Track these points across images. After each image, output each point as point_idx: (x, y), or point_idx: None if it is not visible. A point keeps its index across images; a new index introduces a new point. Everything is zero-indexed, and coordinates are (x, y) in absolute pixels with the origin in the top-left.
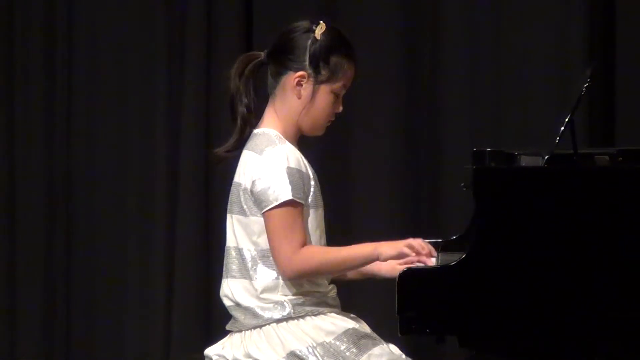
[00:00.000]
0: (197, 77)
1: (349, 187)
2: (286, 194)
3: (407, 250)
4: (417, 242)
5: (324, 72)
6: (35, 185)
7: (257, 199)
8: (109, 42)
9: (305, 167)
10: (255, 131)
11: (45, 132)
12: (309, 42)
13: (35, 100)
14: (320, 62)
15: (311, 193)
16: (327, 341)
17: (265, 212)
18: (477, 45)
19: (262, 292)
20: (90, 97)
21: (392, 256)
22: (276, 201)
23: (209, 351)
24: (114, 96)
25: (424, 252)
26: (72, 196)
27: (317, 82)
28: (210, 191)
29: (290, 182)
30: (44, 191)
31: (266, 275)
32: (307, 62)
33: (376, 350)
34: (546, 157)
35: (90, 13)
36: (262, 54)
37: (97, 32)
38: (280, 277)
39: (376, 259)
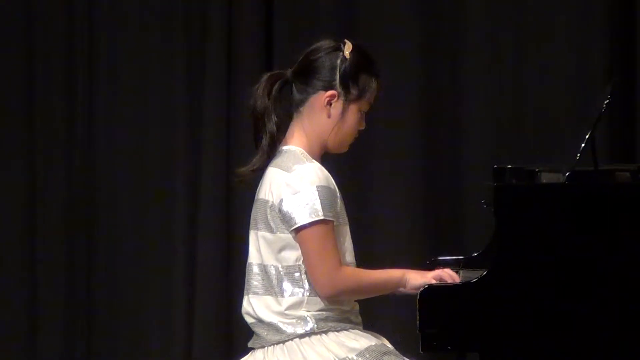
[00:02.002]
0: (218, 94)
1: (369, 203)
2: (318, 213)
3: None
4: (447, 274)
5: (353, 91)
6: (55, 201)
7: (286, 217)
8: (129, 58)
9: (334, 184)
10: (281, 148)
11: (66, 148)
12: (338, 61)
13: (56, 114)
14: (350, 81)
15: (338, 210)
16: (350, 357)
17: (298, 231)
18: (498, 62)
19: (287, 308)
20: (110, 113)
21: (417, 287)
22: (308, 220)
23: None
24: (134, 113)
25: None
26: (93, 213)
27: (347, 101)
28: (231, 207)
29: (321, 201)
30: (64, 208)
31: (292, 291)
32: (337, 82)
33: None
34: (567, 174)
35: (111, 30)
36: (287, 73)
37: (117, 49)
38: (305, 293)
39: (403, 285)
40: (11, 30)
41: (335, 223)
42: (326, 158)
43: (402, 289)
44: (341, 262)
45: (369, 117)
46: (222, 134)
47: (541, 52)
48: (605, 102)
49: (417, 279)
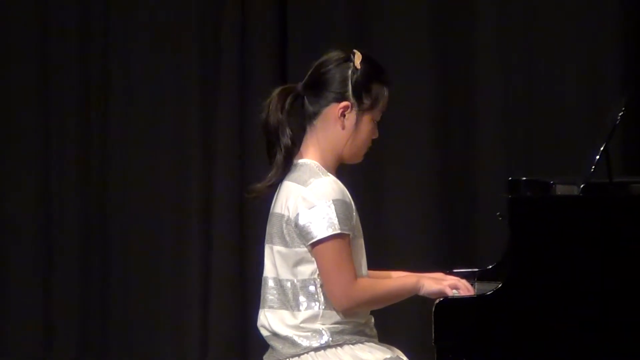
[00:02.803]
0: (231, 108)
1: (383, 216)
2: (335, 227)
3: (449, 292)
4: (462, 284)
5: (366, 101)
6: (70, 215)
7: (303, 231)
8: (143, 74)
9: (349, 197)
10: (296, 162)
11: (81, 157)
12: (349, 72)
13: (71, 125)
14: (362, 92)
15: (354, 222)
16: None
17: (314, 246)
18: (511, 73)
19: (303, 321)
20: (125, 126)
21: (432, 293)
22: (325, 234)
23: None
24: (148, 126)
25: (467, 294)
26: (107, 226)
27: (361, 111)
28: (244, 221)
29: (338, 215)
30: (79, 222)
31: (307, 305)
32: (349, 93)
33: None
34: (581, 186)
35: (126, 44)
36: (298, 86)
37: (132, 64)
38: (321, 307)
39: (418, 291)
40: (27, 43)
41: (351, 236)
42: (340, 170)
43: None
44: (357, 275)
45: (380, 128)
46: (236, 147)
47: (554, 63)
48: (620, 114)
49: (432, 285)
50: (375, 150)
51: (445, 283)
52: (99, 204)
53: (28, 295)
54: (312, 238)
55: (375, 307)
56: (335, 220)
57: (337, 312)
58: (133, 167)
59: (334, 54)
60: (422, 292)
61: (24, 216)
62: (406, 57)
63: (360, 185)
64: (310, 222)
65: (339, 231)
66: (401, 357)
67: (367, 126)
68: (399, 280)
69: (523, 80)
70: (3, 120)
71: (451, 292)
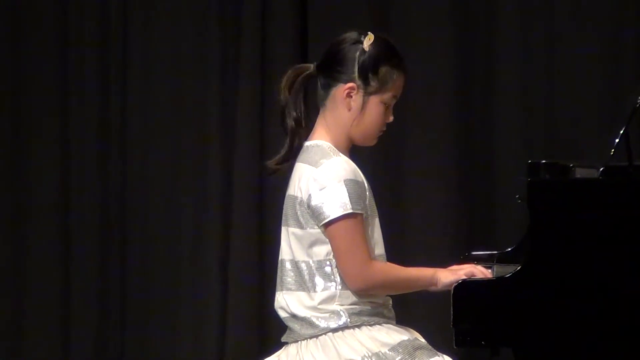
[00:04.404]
0: (252, 89)
1: (402, 199)
2: (346, 207)
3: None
4: (479, 270)
5: (373, 83)
6: (90, 199)
7: (315, 212)
8: (163, 57)
9: (362, 177)
10: (308, 143)
11: (100, 143)
12: (357, 53)
13: (90, 112)
14: (369, 73)
15: (367, 203)
16: (383, 352)
17: (327, 226)
18: (531, 56)
19: (320, 302)
20: (144, 111)
21: (449, 285)
22: (337, 214)
23: None
24: (168, 110)
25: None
26: (127, 210)
27: (367, 94)
28: (264, 203)
29: (349, 195)
30: (98, 206)
31: (324, 286)
32: (356, 74)
33: None
34: (601, 169)
35: (145, 28)
36: (312, 66)
37: (151, 48)
38: (337, 287)
39: (434, 285)
40: (45, 27)
41: (364, 216)
42: (360, 153)
43: (433, 288)
44: (370, 256)
45: (403, 112)
46: (256, 130)
47: (573, 46)
48: None
49: (448, 277)
50: (396, 133)
51: (461, 272)
52: (118, 186)
53: (44, 283)
54: (325, 218)
55: (389, 292)
56: (347, 200)
57: (353, 292)
58: (152, 149)
59: (348, 35)
60: (440, 285)
61: (40, 199)
62: (427, 41)
63: (381, 167)
64: (323, 203)
65: (350, 210)
66: (419, 339)
67: (374, 109)
68: (416, 270)
69: (543, 64)
70: (21, 107)
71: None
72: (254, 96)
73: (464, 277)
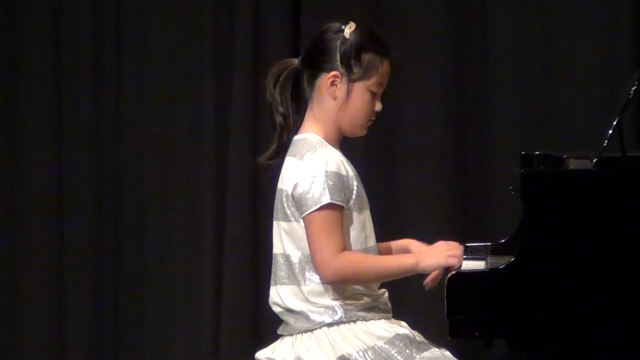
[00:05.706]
0: (245, 83)
1: (396, 190)
2: (324, 198)
3: (452, 262)
4: (457, 247)
5: (356, 70)
6: (83, 196)
7: (298, 204)
8: (156, 50)
9: (346, 169)
10: (296, 137)
11: (93, 137)
12: (339, 42)
13: (83, 104)
14: (351, 60)
15: (354, 195)
16: (378, 345)
17: (304, 216)
18: (525, 48)
19: (311, 296)
20: (138, 103)
21: (437, 267)
22: (315, 205)
23: (259, 354)
24: (161, 102)
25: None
26: (120, 203)
27: (351, 81)
28: (258, 197)
29: (328, 186)
30: (92, 203)
31: (314, 279)
32: (338, 62)
33: (427, 354)
34: (594, 160)
35: (138, 22)
36: (296, 61)
37: (144, 38)
38: None
39: (418, 270)
40: (39, 20)
41: (345, 208)
42: (354, 145)
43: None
44: (343, 248)
45: (394, 102)
46: (249, 123)
47: (567, 37)
48: (633, 88)
49: (433, 260)
50: (388, 123)
51: (445, 255)
52: (111, 179)
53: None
54: (305, 210)
55: (366, 282)
56: (326, 192)
57: (324, 283)
58: (145, 143)
59: (330, 25)
60: (428, 271)
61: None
62: (420, 32)
63: (374, 159)
64: (303, 195)
65: (329, 201)
66: (415, 333)
67: (360, 96)
68: (395, 259)
69: (537, 55)
70: (14, 98)
71: (454, 262)
72: (247, 90)
73: (449, 260)
